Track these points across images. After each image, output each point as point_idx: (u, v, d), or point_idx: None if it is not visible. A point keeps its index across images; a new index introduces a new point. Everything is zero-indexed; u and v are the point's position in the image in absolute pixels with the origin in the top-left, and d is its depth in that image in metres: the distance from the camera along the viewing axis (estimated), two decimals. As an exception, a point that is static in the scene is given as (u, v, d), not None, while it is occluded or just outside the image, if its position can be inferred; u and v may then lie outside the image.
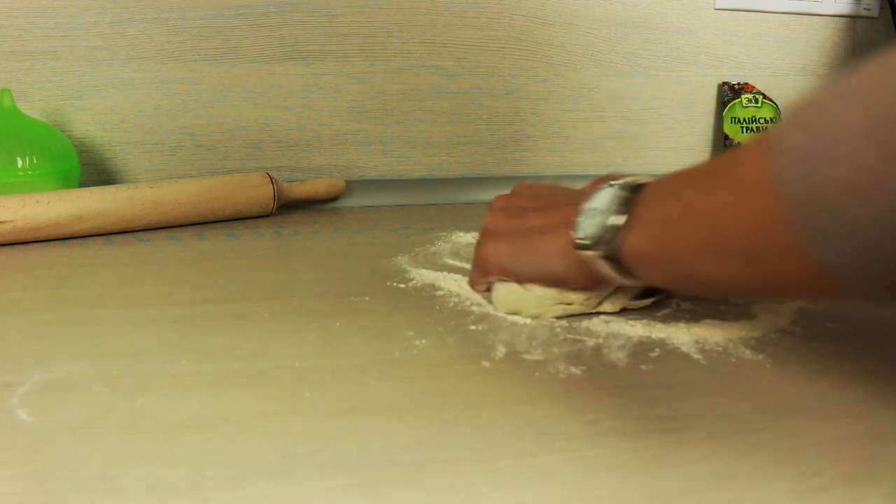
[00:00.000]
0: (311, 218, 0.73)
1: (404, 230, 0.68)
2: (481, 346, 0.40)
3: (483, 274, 0.45)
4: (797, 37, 0.98)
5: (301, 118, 0.85)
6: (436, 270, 0.53)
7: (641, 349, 0.40)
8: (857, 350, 0.41)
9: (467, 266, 0.54)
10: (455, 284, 0.50)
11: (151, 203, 0.66)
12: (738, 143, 0.94)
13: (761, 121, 0.94)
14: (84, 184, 0.75)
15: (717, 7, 0.94)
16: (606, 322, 0.43)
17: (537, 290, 0.43)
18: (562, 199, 0.44)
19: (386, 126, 0.88)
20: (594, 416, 0.32)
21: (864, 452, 0.30)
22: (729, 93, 0.96)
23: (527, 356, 0.39)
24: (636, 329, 0.42)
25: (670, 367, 0.38)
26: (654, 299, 0.46)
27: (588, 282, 0.41)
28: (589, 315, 0.44)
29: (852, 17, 0.98)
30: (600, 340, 0.41)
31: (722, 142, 0.96)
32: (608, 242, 0.36)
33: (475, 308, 0.45)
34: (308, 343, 0.40)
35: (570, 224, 0.39)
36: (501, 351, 0.39)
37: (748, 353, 0.40)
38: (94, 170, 0.80)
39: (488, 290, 0.46)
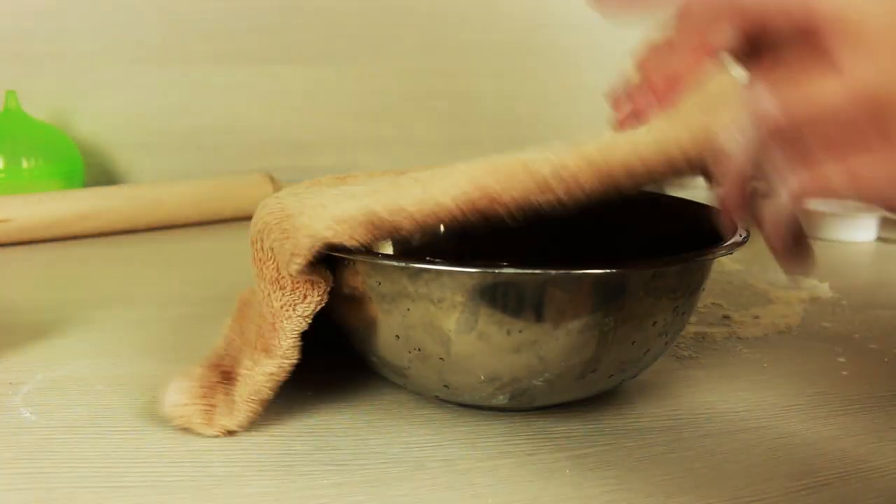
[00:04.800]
0: (311, 218, 0.73)
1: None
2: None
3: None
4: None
5: (302, 119, 0.85)
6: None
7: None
8: (852, 350, 0.41)
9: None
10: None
11: (154, 203, 0.66)
12: (738, 143, 0.95)
13: (760, 122, 0.94)
14: (88, 184, 0.75)
15: (716, 8, 0.94)
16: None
17: None
18: None
19: (386, 127, 0.88)
20: (593, 415, 0.33)
21: (859, 451, 0.30)
22: (728, 94, 0.96)
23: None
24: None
25: (669, 366, 0.38)
26: None
27: None
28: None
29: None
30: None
31: (721, 142, 0.96)
32: None
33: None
34: (308, 341, 0.40)
35: None
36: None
37: (746, 351, 0.40)
38: (98, 170, 0.80)
39: None
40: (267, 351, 0.30)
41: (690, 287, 0.31)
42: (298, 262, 0.27)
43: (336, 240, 0.27)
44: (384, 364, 0.31)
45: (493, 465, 0.28)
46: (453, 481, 0.27)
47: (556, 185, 0.27)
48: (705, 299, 0.49)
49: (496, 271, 0.26)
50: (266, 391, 0.30)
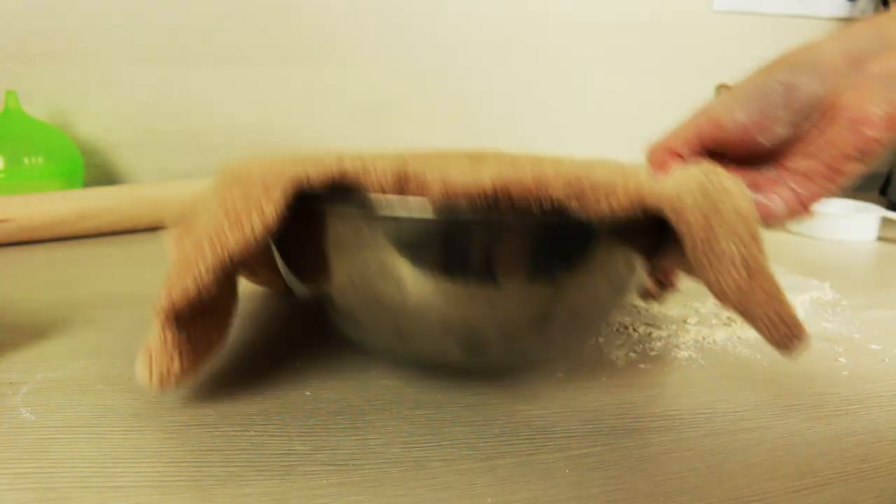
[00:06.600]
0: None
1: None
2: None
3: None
4: (793, 39, 0.98)
5: (302, 119, 0.85)
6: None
7: (641, 348, 0.40)
8: (852, 350, 0.41)
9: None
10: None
11: (154, 203, 0.66)
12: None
13: (760, 122, 0.95)
14: (88, 184, 0.75)
15: (714, 9, 0.94)
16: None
17: None
18: None
19: (386, 127, 0.88)
20: (593, 414, 0.33)
21: (859, 450, 0.30)
22: (728, 94, 0.96)
23: (526, 356, 0.39)
24: (635, 328, 0.43)
25: (669, 365, 0.38)
26: None
27: None
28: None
29: (847, 20, 0.98)
30: (600, 339, 0.41)
31: (721, 143, 0.96)
32: None
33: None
34: (308, 341, 0.40)
35: None
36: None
37: (745, 351, 0.40)
38: (98, 171, 0.80)
39: None
40: (185, 264, 0.29)
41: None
42: (305, 176, 0.27)
43: (357, 177, 0.27)
44: (341, 315, 0.31)
45: (493, 465, 0.28)
46: (453, 481, 0.27)
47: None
48: (706, 300, 0.49)
49: (441, 218, 0.26)
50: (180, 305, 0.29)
